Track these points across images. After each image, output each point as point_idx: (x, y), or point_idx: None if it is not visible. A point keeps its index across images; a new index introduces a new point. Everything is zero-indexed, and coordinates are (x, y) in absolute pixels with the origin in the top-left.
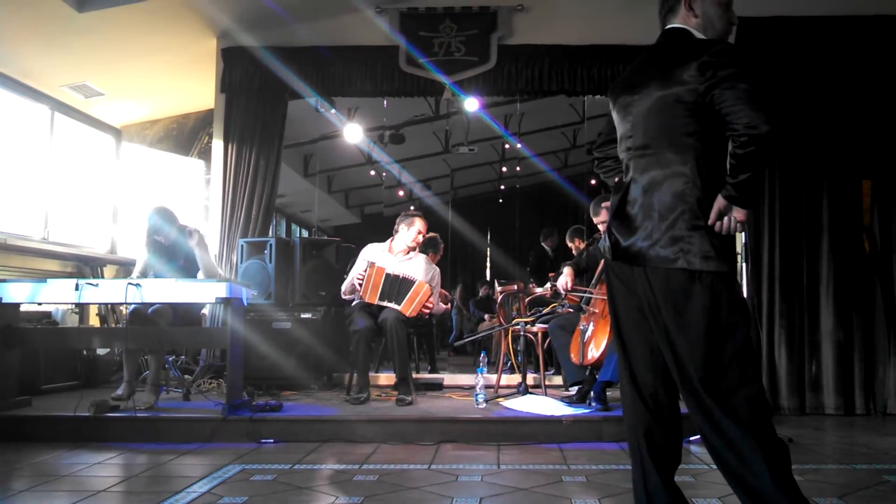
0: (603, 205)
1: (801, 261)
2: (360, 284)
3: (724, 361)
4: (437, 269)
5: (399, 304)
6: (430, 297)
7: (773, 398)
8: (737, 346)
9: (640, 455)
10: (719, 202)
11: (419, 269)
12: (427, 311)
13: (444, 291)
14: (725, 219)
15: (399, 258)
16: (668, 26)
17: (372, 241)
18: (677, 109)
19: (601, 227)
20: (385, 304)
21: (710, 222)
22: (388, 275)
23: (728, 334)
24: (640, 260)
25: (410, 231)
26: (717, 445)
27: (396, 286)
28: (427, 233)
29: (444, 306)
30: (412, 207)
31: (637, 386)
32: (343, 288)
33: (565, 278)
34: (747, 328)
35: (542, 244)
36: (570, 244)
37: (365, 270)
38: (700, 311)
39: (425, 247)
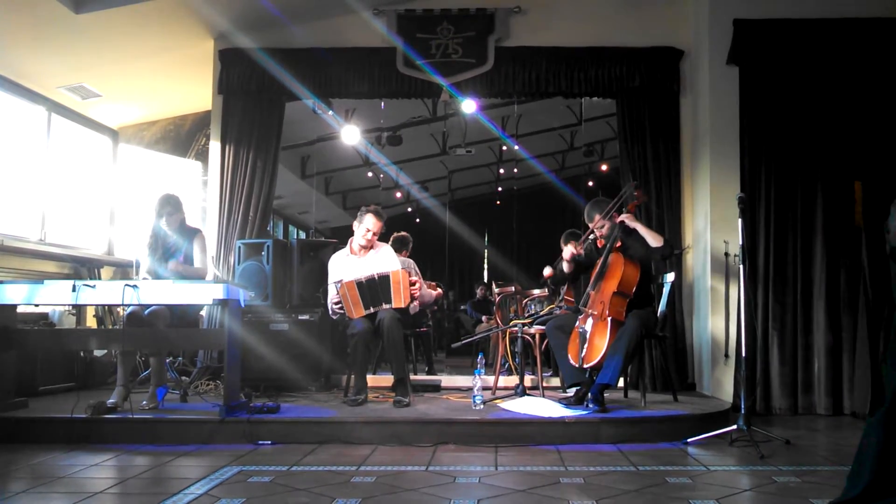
0: None
1: (795, 262)
2: (342, 308)
3: None
4: (411, 260)
5: (390, 303)
6: (409, 278)
7: (766, 399)
8: None
9: None
10: None
11: (390, 260)
12: (416, 293)
13: (433, 284)
14: None
15: (361, 255)
16: None
17: None
18: None
19: (597, 232)
20: (374, 309)
21: None
22: (359, 283)
23: None
24: None
25: (360, 229)
26: None
27: (376, 288)
28: (380, 228)
29: (432, 292)
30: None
31: None
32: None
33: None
34: None
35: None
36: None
37: (337, 294)
38: None
39: (396, 246)
